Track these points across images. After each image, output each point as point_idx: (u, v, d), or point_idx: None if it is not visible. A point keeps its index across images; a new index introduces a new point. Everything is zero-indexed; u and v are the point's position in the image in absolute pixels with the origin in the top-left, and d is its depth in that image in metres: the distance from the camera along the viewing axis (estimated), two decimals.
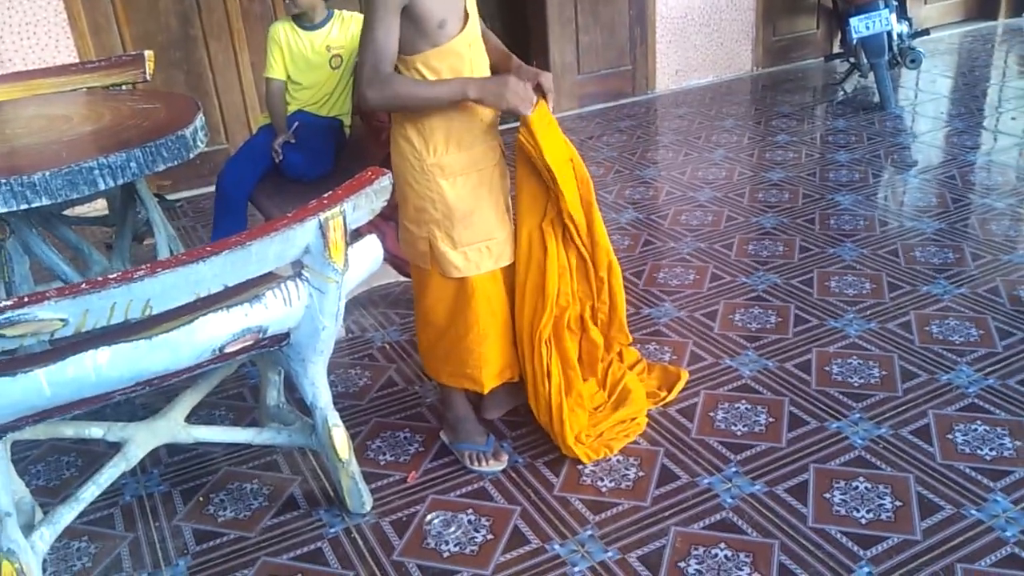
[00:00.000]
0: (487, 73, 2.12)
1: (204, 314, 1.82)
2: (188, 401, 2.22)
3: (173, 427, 2.18)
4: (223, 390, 2.75)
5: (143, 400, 2.71)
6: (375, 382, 2.79)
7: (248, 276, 1.82)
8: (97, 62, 3.71)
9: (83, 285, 1.62)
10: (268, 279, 1.92)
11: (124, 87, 3.56)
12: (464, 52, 2.04)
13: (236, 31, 4.50)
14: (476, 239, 2.12)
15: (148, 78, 3.57)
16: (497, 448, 2.37)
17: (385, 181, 1.98)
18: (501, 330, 2.23)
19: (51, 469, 2.51)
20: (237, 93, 4.60)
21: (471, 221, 2.10)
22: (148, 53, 3.58)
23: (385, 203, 2.05)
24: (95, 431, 2.11)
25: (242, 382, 2.82)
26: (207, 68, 4.52)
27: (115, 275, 1.64)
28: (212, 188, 4.41)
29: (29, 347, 1.73)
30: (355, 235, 2.04)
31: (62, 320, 1.62)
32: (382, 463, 2.40)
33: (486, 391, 2.29)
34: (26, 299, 1.58)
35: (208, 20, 4.44)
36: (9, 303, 1.57)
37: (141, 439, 2.13)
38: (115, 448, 2.14)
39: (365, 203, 1.96)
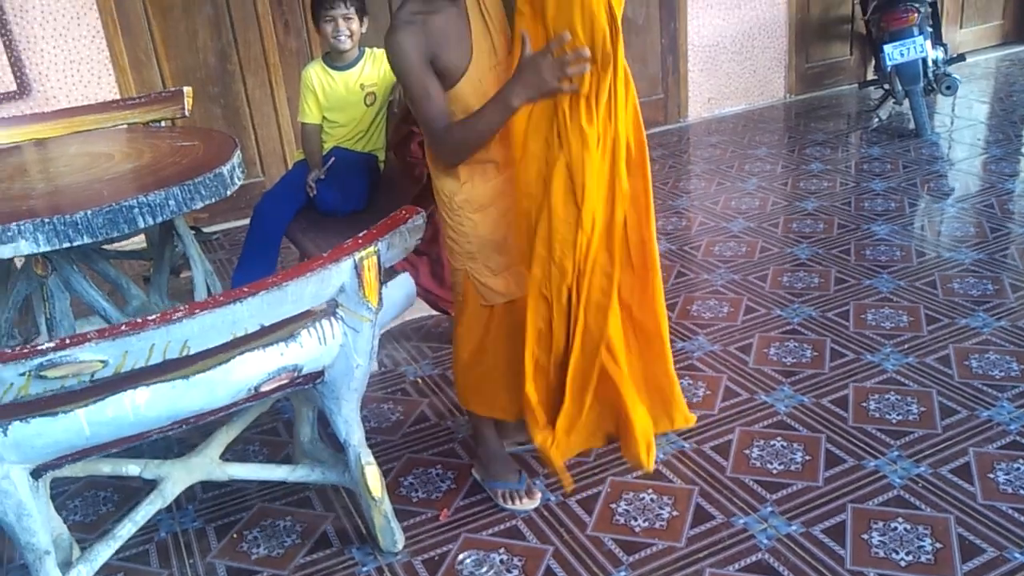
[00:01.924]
0: None
1: (240, 353, 1.84)
2: (223, 438, 2.24)
3: (208, 464, 2.20)
4: (257, 424, 2.77)
5: (178, 435, 2.74)
6: (408, 417, 2.80)
7: (284, 316, 1.84)
8: (137, 98, 3.79)
9: (123, 327, 1.64)
10: (303, 317, 1.94)
11: (164, 122, 3.64)
12: (476, 87, 1.97)
13: (273, 66, 4.58)
14: (513, 263, 2.11)
15: (187, 113, 3.64)
16: (530, 486, 2.36)
17: (419, 220, 2.00)
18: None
19: (88, 505, 2.54)
20: (273, 127, 4.68)
21: (506, 247, 2.10)
22: (187, 89, 3.65)
23: (419, 241, 2.07)
24: (132, 468, 2.14)
25: (276, 416, 2.85)
26: (244, 102, 4.60)
27: (154, 317, 1.66)
28: (248, 221, 4.50)
29: (69, 386, 1.75)
30: (389, 272, 2.06)
31: (102, 361, 1.64)
32: (414, 500, 2.40)
33: (515, 420, 2.29)
34: (68, 341, 1.61)
35: (245, 55, 4.52)
36: (51, 345, 1.60)
37: (177, 476, 2.15)
38: (151, 484, 2.16)
39: (399, 242, 1.97)
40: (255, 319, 1.79)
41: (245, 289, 1.75)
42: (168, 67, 4.41)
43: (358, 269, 1.87)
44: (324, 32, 3.11)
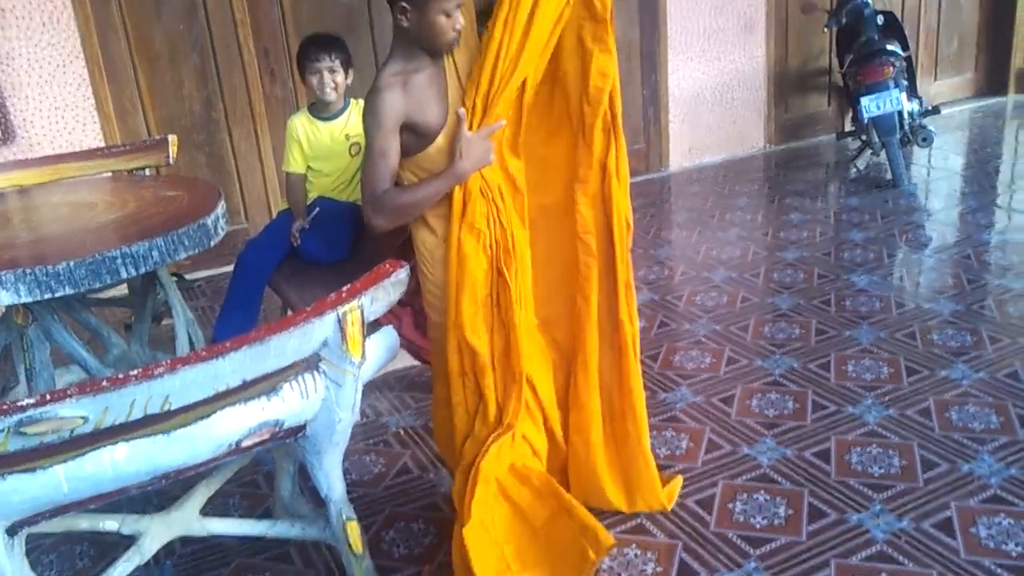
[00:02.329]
0: None
1: (221, 408, 1.82)
2: (203, 493, 2.21)
3: (187, 519, 2.17)
4: (237, 477, 2.71)
5: (156, 488, 2.70)
6: (390, 469, 2.78)
7: (266, 370, 1.83)
8: (122, 146, 3.81)
9: (103, 382, 1.63)
10: (285, 371, 1.93)
11: (148, 170, 3.65)
12: (443, 146, 2.05)
13: (258, 115, 4.61)
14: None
15: (172, 162, 3.65)
16: None
17: (402, 274, 2.00)
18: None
19: (64, 559, 2.50)
20: (258, 175, 4.69)
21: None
22: (172, 138, 3.66)
23: (402, 293, 2.07)
24: (110, 524, 2.10)
25: (257, 468, 2.82)
26: (229, 151, 4.62)
27: (135, 372, 1.65)
28: (231, 268, 4.49)
29: (47, 441, 1.73)
30: (373, 324, 2.06)
31: (83, 418, 1.63)
32: (396, 556, 2.38)
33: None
34: (48, 397, 1.60)
35: (231, 104, 4.55)
36: (32, 401, 1.58)
37: (156, 532, 2.12)
38: (129, 540, 2.13)
39: (383, 296, 1.97)
40: (237, 374, 1.78)
41: (227, 344, 1.74)
42: (153, 115, 4.43)
43: (341, 323, 1.87)
44: (310, 83, 3.15)
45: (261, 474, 2.80)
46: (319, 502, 2.19)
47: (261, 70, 4.58)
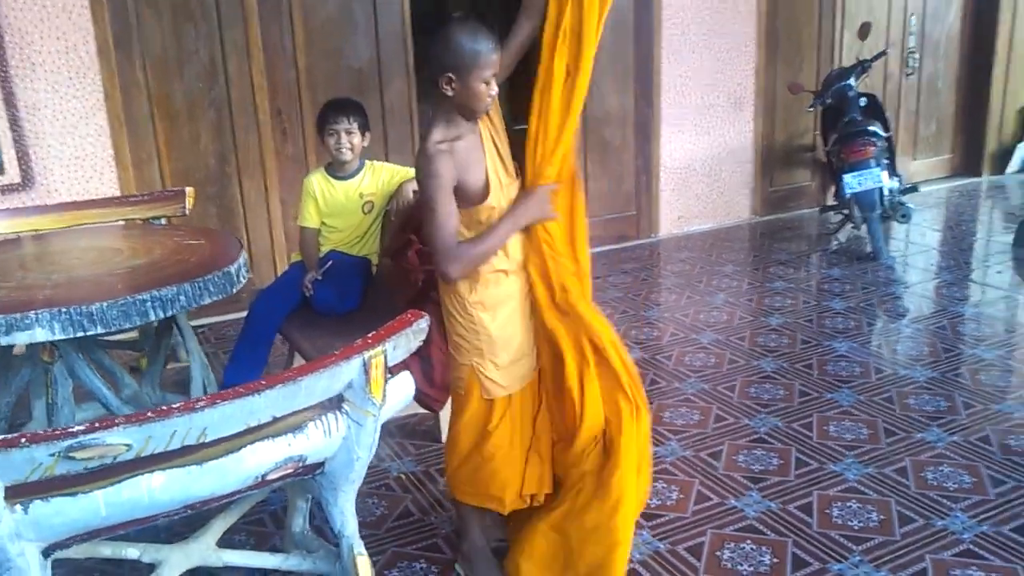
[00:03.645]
0: None
1: (251, 443, 1.96)
2: (220, 525, 2.33)
3: (204, 550, 2.28)
4: (244, 515, 2.84)
5: (164, 523, 2.80)
6: (392, 511, 2.89)
7: (296, 408, 1.97)
8: (140, 196, 3.98)
9: (149, 413, 1.77)
10: (311, 410, 2.07)
11: (163, 220, 3.81)
12: (496, 204, 2.25)
13: (269, 171, 4.80)
14: (516, 357, 2.32)
15: (187, 212, 3.82)
16: None
17: (423, 323, 2.16)
18: (524, 452, 2.39)
19: None
20: (265, 228, 4.86)
21: (511, 344, 2.31)
22: (189, 190, 3.84)
23: (421, 343, 2.23)
24: (131, 552, 2.21)
25: (263, 507, 2.92)
26: (239, 204, 4.80)
27: (178, 405, 1.79)
28: (233, 316, 4.64)
29: (90, 467, 1.85)
30: (390, 371, 2.21)
31: (127, 445, 1.76)
32: None
33: (507, 511, 2.42)
34: (97, 424, 1.73)
35: (244, 159, 4.75)
36: (81, 428, 1.72)
37: (175, 561, 2.23)
38: (148, 569, 2.23)
39: (404, 343, 2.13)
40: (269, 410, 1.92)
41: (263, 382, 1.88)
42: (169, 167, 4.61)
43: (366, 367, 2.02)
44: (327, 144, 3.33)
45: (266, 514, 2.91)
46: (327, 539, 2.31)
47: (274, 128, 4.78)
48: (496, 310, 2.28)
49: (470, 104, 2.16)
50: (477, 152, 2.20)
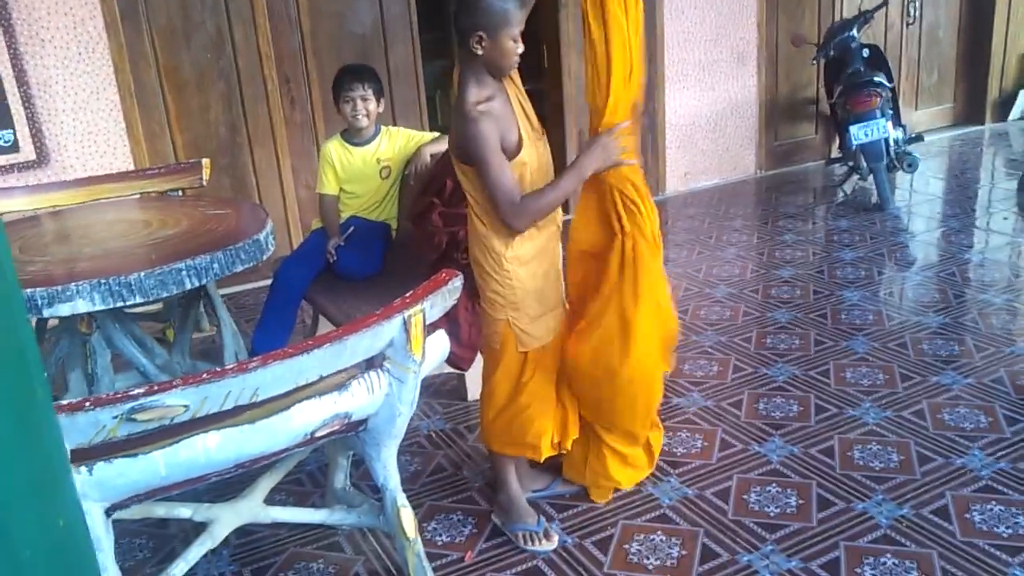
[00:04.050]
0: (544, 163, 2.39)
1: (299, 401, 2.03)
2: (267, 483, 2.41)
3: (253, 508, 2.36)
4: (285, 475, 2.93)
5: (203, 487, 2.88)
6: (425, 468, 2.98)
7: (341, 367, 2.04)
8: (157, 168, 4.01)
9: (204, 375, 1.83)
10: (355, 368, 2.13)
11: (180, 192, 3.85)
12: (527, 160, 2.31)
13: (279, 138, 4.83)
14: (547, 309, 2.41)
15: (204, 184, 3.86)
16: (548, 529, 2.54)
17: (457, 282, 2.22)
18: (555, 400, 2.48)
19: (124, 552, 2.67)
20: (279, 196, 4.90)
21: (543, 297, 2.39)
22: (205, 161, 3.87)
23: (456, 301, 2.29)
24: (184, 511, 2.29)
25: (299, 468, 3.00)
26: (251, 173, 4.83)
27: (232, 366, 1.86)
28: (251, 286, 4.69)
29: (149, 429, 1.91)
30: (427, 329, 2.27)
31: (184, 406, 1.83)
32: (439, 544, 2.57)
33: (542, 458, 2.51)
34: (156, 387, 1.80)
35: (254, 128, 4.77)
36: (142, 391, 1.78)
37: (225, 519, 2.31)
38: (199, 528, 2.31)
39: (440, 301, 2.19)
40: (316, 370, 1.98)
41: (310, 342, 1.95)
42: (181, 139, 4.64)
43: (407, 325, 2.08)
44: (343, 111, 3.36)
45: (304, 474, 2.99)
46: (368, 494, 2.39)
47: (282, 96, 4.80)
48: (530, 264, 2.35)
49: (500, 62, 2.21)
50: (508, 109, 2.26)
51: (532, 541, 2.51)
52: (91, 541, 0.93)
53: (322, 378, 2.03)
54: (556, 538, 2.52)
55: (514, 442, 2.49)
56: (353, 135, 3.43)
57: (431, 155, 3.36)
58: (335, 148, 3.44)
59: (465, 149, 2.24)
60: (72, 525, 0.86)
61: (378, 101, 3.39)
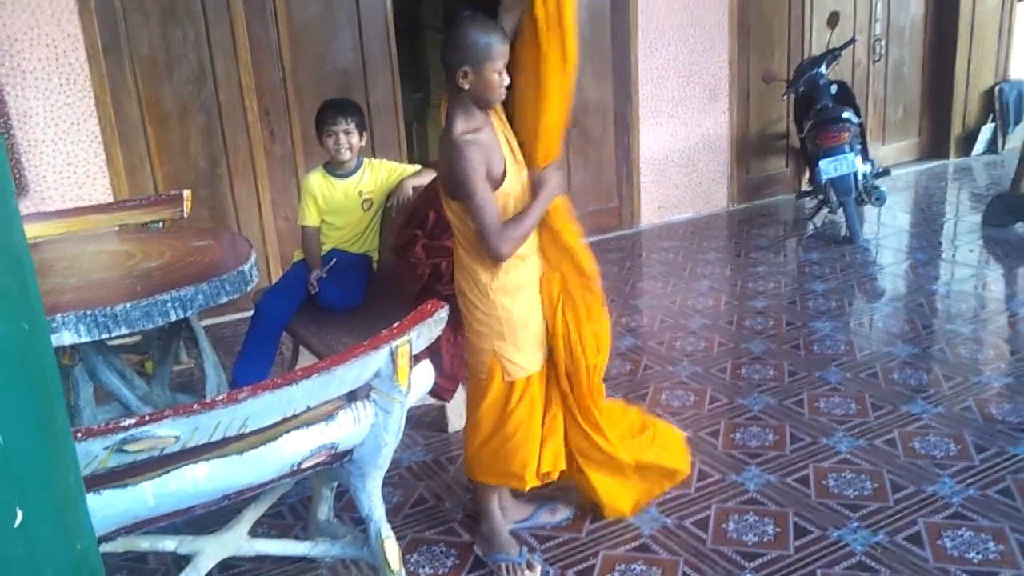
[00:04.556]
0: (524, 193, 2.45)
1: (287, 432, 2.05)
2: (251, 516, 2.42)
3: (238, 540, 2.37)
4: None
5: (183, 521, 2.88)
6: (407, 499, 2.99)
7: (328, 397, 2.07)
8: (138, 200, 4.02)
9: (194, 406, 1.85)
10: (342, 399, 2.16)
11: (160, 224, 3.86)
12: (510, 191, 2.37)
13: (259, 171, 4.86)
14: (533, 339, 2.46)
15: (185, 215, 3.87)
16: (530, 559, 2.57)
17: (443, 313, 2.26)
18: (540, 430, 2.53)
19: None
20: (258, 228, 4.92)
21: (528, 327, 2.44)
22: (186, 193, 3.89)
23: (440, 332, 2.33)
24: (168, 544, 2.29)
25: (281, 501, 3.00)
26: (231, 205, 4.85)
27: (221, 397, 1.88)
28: (227, 318, 4.70)
29: (139, 460, 1.92)
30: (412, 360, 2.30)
31: (175, 437, 1.85)
32: (422, 575, 2.59)
33: (527, 488, 2.54)
34: (147, 418, 1.82)
35: (234, 160, 4.80)
36: (132, 421, 1.80)
37: (210, 551, 2.31)
38: (181, 562, 2.31)
39: (426, 332, 2.23)
40: (305, 400, 2.01)
41: (299, 372, 1.98)
42: (161, 171, 4.66)
43: (394, 356, 2.12)
44: (326, 144, 3.41)
45: (285, 507, 2.99)
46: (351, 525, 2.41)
47: (263, 129, 4.84)
48: (515, 295, 2.40)
49: (486, 95, 2.27)
50: (495, 141, 2.32)
51: (514, 572, 2.53)
52: (102, 566, 0.95)
53: (309, 409, 2.06)
54: (539, 568, 2.55)
55: (499, 472, 2.52)
56: (335, 167, 3.47)
57: (413, 188, 3.41)
58: (317, 180, 3.48)
59: (452, 179, 2.29)
60: (88, 549, 0.89)
61: (360, 135, 3.44)
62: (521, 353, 2.43)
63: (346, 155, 3.41)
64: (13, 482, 0.79)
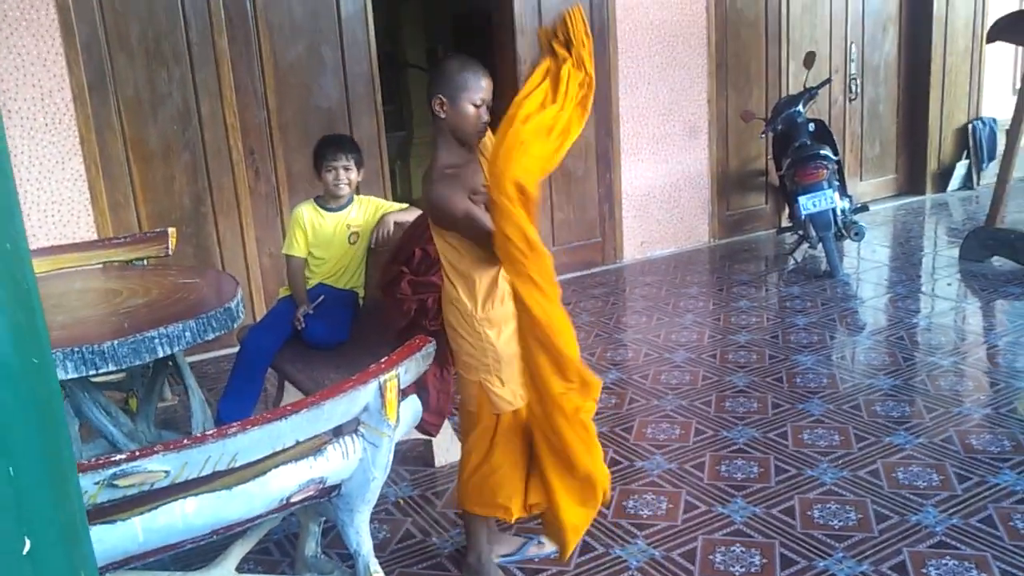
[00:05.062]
0: None
1: (276, 466, 2.06)
2: (239, 551, 2.40)
3: None
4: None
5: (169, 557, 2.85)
6: (394, 535, 2.98)
7: (317, 431, 2.08)
8: (123, 238, 4.04)
9: (185, 441, 1.86)
10: (330, 433, 2.17)
11: (145, 262, 3.87)
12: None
13: (243, 209, 4.89)
14: (517, 376, 2.44)
15: (170, 253, 3.89)
16: None
17: (431, 348, 2.28)
18: (525, 463, 2.52)
19: None
20: (242, 266, 4.94)
21: (513, 362, 2.44)
22: (171, 231, 3.91)
23: (428, 367, 2.35)
24: None
25: (268, 538, 2.98)
26: (215, 243, 4.87)
27: (211, 432, 1.89)
28: (210, 355, 4.69)
29: (129, 495, 1.92)
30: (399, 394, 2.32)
31: (165, 471, 1.85)
32: None
33: (513, 519, 2.55)
34: (137, 453, 1.82)
35: (219, 198, 4.83)
36: (123, 456, 1.80)
37: None
38: None
39: (414, 367, 2.25)
40: (294, 435, 2.02)
41: (289, 407, 1.99)
42: (145, 209, 4.68)
43: (382, 390, 2.13)
44: (325, 179, 3.45)
45: (271, 543, 2.98)
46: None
47: (247, 167, 4.87)
48: (501, 327, 2.42)
49: (462, 126, 2.32)
50: (478, 179, 2.35)
51: None
52: None
53: (298, 443, 2.07)
54: None
55: (486, 502, 2.53)
56: (328, 201, 3.51)
57: (396, 223, 3.44)
58: (308, 211, 3.51)
59: (436, 208, 2.33)
60: None
61: (358, 171, 3.49)
62: (506, 387, 2.45)
63: (344, 190, 3.46)
64: (22, 512, 0.80)
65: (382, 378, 2.13)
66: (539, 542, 2.79)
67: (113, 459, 1.79)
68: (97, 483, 1.79)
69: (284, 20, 4.87)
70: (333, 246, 3.50)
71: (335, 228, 3.48)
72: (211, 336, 2.74)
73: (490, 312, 2.42)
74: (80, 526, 0.90)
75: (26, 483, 0.81)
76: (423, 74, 9.68)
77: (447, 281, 2.45)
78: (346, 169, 3.41)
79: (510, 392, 2.45)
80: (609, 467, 3.28)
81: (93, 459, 1.79)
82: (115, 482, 1.79)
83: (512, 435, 2.48)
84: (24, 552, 0.80)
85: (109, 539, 1.89)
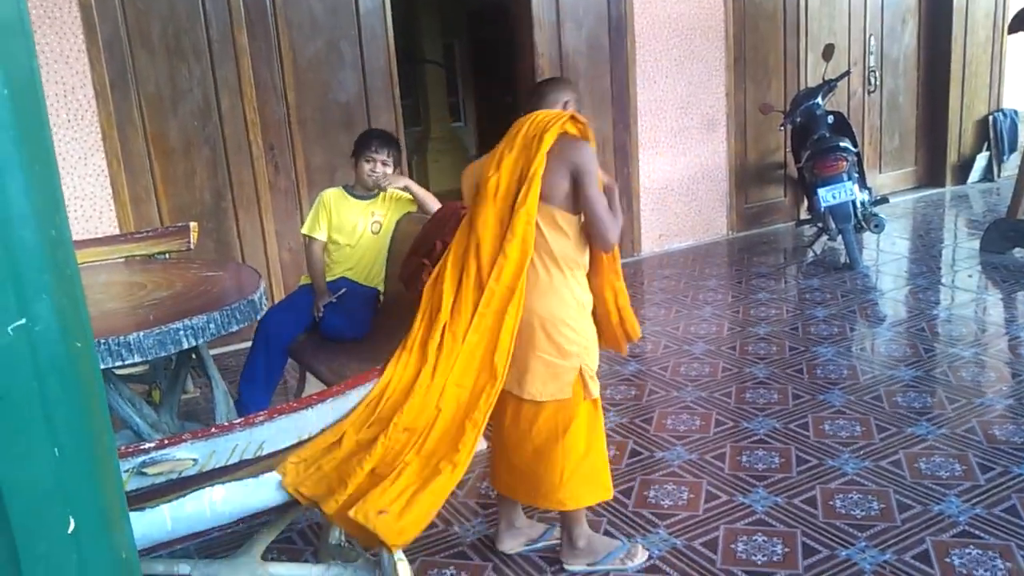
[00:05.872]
0: None
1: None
2: (264, 540, 2.42)
3: (251, 564, 2.37)
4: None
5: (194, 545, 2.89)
6: None
7: (338, 419, 2.10)
8: (146, 232, 4.08)
9: (212, 429, 1.89)
10: None
11: (166, 255, 3.91)
12: None
13: (263, 204, 4.92)
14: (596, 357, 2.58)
15: (192, 247, 3.92)
16: (634, 544, 2.71)
17: None
18: None
19: None
20: (262, 259, 4.97)
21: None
22: (193, 225, 3.95)
23: None
24: (183, 568, 2.30)
25: (291, 526, 3.01)
26: (235, 236, 4.91)
27: (239, 421, 1.91)
28: (230, 348, 4.73)
29: (157, 483, 1.94)
30: None
31: (193, 460, 1.87)
32: None
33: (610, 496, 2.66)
34: (166, 441, 1.85)
35: (239, 193, 4.86)
36: (152, 445, 1.83)
37: (224, 575, 2.32)
38: None
39: None
40: (319, 423, 2.04)
41: (315, 396, 2.01)
42: (166, 204, 4.72)
43: None
44: (362, 168, 3.48)
45: (295, 532, 3.00)
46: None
47: (267, 162, 4.91)
48: (587, 309, 2.54)
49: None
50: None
51: (630, 559, 2.65)
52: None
53: (323, 431, 2.09)
54: (646, 553, 2.69)
55: (596, 488, 2.59)
56: (357, 189, 3.54)
57: (411, 189, 3.48)
58: (334, 195, 3.54)
59: (586, 171, 2.37)
60: (132, 558, 0.92)
61: (395, 168, 3.52)
62: (594, 368, 2.54)
63: (384, 184, 3.49)
64: (67, 492, 0.83)
65: None
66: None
67: (142, 447, 1.82)
68: (127, 471, 1.81)
69: (303, 16, 4.90)
70: (354, 232, 3.51)
71: (359, 214, 3.50)
72: (235, 328, 2.77)
73: (583, 296, 2.51)
74: (121, 509, 0.92)
75: (71, 465, 0.83)
76: (439, 70, 9.71)
77: (552, 267, 2.44)
78: (384, 164, 3.46)
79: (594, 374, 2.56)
80: (629, 457, 3.31)
81: (122, 447, 1.82)
82: (144, 470, 1.82)
83: (599, 414, 2.59)
84: (68, 531, 0.82)
85: (137, 527, 1.91)
